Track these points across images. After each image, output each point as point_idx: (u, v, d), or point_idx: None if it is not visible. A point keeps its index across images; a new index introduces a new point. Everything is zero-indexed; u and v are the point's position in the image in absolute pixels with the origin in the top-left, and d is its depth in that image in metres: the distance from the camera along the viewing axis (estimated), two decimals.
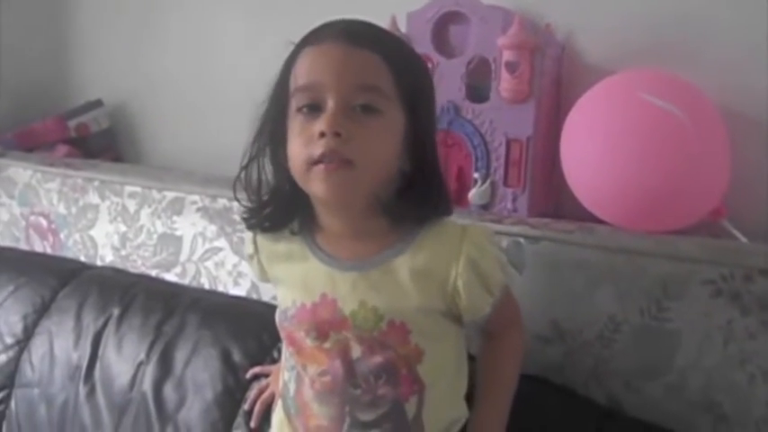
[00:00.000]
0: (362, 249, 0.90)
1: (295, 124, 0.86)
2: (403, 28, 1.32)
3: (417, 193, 0.88)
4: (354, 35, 0.85)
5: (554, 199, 1.31)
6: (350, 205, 0.89)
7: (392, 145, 0.86)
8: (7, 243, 1.72)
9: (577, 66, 1.32)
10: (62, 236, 1.64)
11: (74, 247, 1.62)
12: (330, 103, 0.83)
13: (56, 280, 1.47)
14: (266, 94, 0.91)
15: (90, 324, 1.36)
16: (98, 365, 1.31)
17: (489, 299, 0.91)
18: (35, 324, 1.42)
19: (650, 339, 1.02)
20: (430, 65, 1.30)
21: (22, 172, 1.71)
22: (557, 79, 1.30)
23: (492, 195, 1.27)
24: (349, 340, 0.89)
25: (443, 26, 1.31)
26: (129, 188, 1.54)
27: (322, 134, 0.82)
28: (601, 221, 1.20)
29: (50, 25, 2.05)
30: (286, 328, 0.94)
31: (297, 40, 0.90)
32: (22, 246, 1.70)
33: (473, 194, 1.27)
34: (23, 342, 1.41)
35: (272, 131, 0.90)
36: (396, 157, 0.87)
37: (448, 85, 1.28)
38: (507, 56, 1.22)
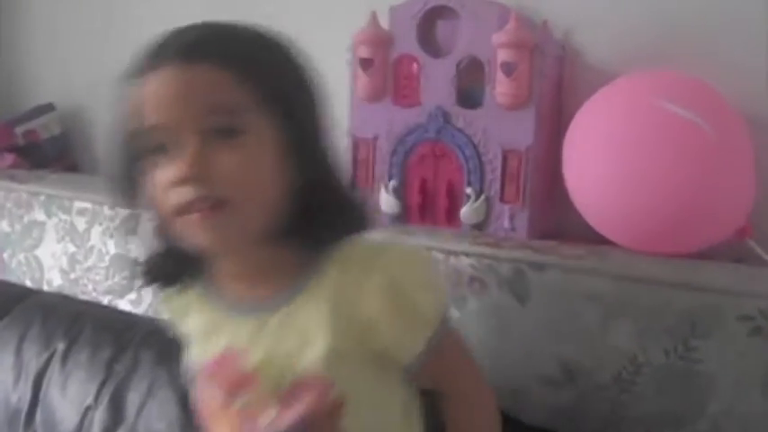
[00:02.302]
0: (263, 289, 0.79)
1: (150, 171, 0.74)
2: (385, 24, 1.17)
3: (316, 212, 0.76)
4: (189, 50, 0.73)
5: (556, 217, 1.17)
6: (239, 248, 0.77)
7: (268, 164, 0.74)
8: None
9: (579, 67, 1.19)
10: (5, 256, 1.47)
11: (18, 269, 1.46)
12: (183, 140, 0.71)
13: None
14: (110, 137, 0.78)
15: (32, 360, 1.20)
16: (39, 409, 1.16)
17: (421, 333, 0.78)
18: None
19: (676, 382, 0.88)
20: (415, 65, 1.16)
21: None
22: (557, 82, 1.16)
23: (487, 213, 1.12)
24: (259, 400, 0.77)
25: (430, 22, 1.16)
26: (78, 204, 1.38)
27: (183, 180, 0.71)
28: (609, 243, 1.06)
29: None
30: (195, 391, 0.86)
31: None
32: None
33: (465, 212, 1.13)
34: None
35: (128, 182, 0.78)
36: (279, 176, 0.74)
37: (435, 88, 1.14)
38: (503, 56, 1.08)
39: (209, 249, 0.76)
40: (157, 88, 0.72)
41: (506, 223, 1.11)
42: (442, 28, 1.17)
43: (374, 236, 0.81)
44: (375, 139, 1.18)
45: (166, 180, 0.72)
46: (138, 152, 0.75)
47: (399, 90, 1.17)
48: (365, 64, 1.17)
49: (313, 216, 0.75)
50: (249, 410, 0.77)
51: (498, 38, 1.08)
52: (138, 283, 0.84)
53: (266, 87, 0.74)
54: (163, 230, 0.79)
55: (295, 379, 0.76)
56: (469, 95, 1.14)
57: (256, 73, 0.74)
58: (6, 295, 1.35)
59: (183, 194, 0.71)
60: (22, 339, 1.23)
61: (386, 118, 1.17)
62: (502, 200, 1.11)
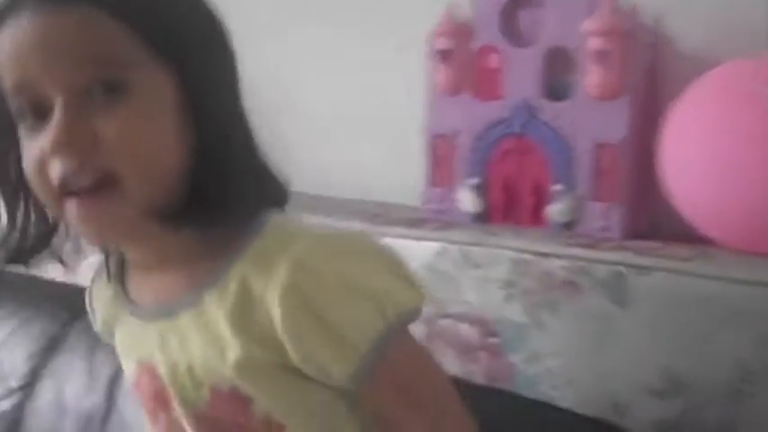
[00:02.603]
0: (170, 285, 0.66)
1: (22, 139, 0.62)
2: (464, 15, 1.11)
3: (218, 184, 0.61)
4: None
5: (650, 215, 1.10)
6: (131, 236, 0.64)
7: (161, 127, 0.60)
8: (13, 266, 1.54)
9: (672, 54, 1.11)
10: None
11: (89, 272, 1.43)
12: (55, 101, 0.58)
13: (67, 312, 1.29)
14: None
15: (104, 365, 1.18)
16: (114, 415, 1.12)
17: (346, 358, 0.60)
18: (43, 365, 1.24)
19: None
20: (497, 57, 1.10)
21: None
22: (650, 70, 1.08)
23: (577, 212, 1.06)
24: (180, 421, 0.67)
25: (513, 11, 1.10)
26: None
27: (52, 152, 0.58)
28: (710, 242, 0.99)
29: None
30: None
31: None
32: (32, 269, 1.52)
33: (553, 211, 1.06)
34: (29, 386, 1.23)
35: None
36: (174, 142, 0.61)
37: (519, 80, 1.08)
38: (595, 44, 1.01)
39: (96, 242, 0.66)
40: (14, 39, 0.59)
41: (599, 222, 1.05)
42: (525, 17, 1.10)
43: (298, 217, 0.68)
44: (455, 134, 1.13)
45: (38, 153, 0.60)
46: (8, 120, 0.62)
47: (480, 83, 1.12)
48: (444, 56, 1.11)
49: (216, 189, 0.61)
50: None
51: (589, 25, 1.01)
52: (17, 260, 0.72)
53: (158, 27, 0.61)
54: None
55: (207, 395, 0.64)
56: (555, 87, 1.07)
57: (140, 12, 0.60)
58: (78, 299, 1.32)
59: (55, 170, 0.59)
60: (95, 343, 1.20)
61: (466, 112, 1.12)
62: (593, 197, 1.05)
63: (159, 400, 0.68)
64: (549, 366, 0.95)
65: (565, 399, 0.93)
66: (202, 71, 0.63)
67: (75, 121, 0.58)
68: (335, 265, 0.61)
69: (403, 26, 1.24)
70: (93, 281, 0.81)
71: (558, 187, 1.06)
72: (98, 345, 1.20)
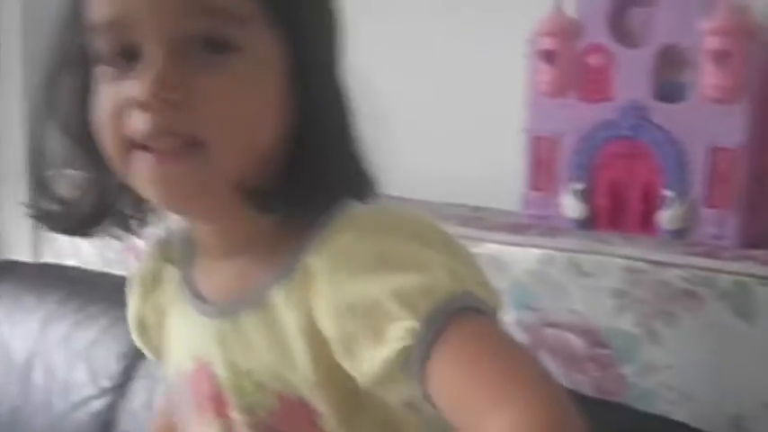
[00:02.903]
0: (234, 278, 0.60)
1: (101, 83, 0.55)
2: (571, 13, 1.08)
3: (313, 165, 0.56)
4: None
5: (766, 221, 1.05)
6: (203, 211, 0.59)
7: (265, 96, 0.55)
8: (101, 266, 1.54)
9: None
10: None
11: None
12: (151, 47, 0.52)
13: None
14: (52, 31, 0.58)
15: None
16: None
17: (387, 349, 0.50)
18: (135, 366, 1.23)
19: None
20: (605, 57, 1.06)
21: None
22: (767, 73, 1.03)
23: (690, 219, 1.01)
24: (236, 428, 0.60)
25: (622, 9, 1.06)
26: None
27: (142, 104, 0.52)
28: None
29: None
30: (174, 414, 0.69)
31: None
32: (117, 270, 1.52)
33: (665, 217, 1.02)
34: (121, 387, 1.23)
35: (62, 92, 0.58)
36: (275, 113, 0.55)
37: (629, 81, 1.03)
38: (713, 43, 0.96)
39: (161, 207, 0.58)
40: None
41: (714, 230, 1.00)
42: (635, 15, 1.06)
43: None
44: (558, 137, 1.09)
45: (119, 100, 0.53)
46: (83, 58, 0.56)
47: (587, 84, 1.08)
48: (548, 56, 1.08)
49: (309, 172, 0.56)
50: None
51: (707, 24, 0.96)
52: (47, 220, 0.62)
53: None
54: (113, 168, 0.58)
55: (272, 403, 0.57)
56: (665, 88, 1.03)
57: None
58: None
59: (140, 120, 0.52)
60: None
61: (571, 114, 1.08)
62: (708, 204, 1.00)
63: (216, 403, 0.61)
64: (664, 379, 0.91)
65: (681, 413, 0.89)
66: (314, 41, 0.57)
67: (172, 75, 0.52)
68: (378, 247, 0.53)
69: (502, 22, 1.21)
70: (143, 262, 0.72)
71: (669, 193, 1.02)
72: None
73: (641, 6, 1.05)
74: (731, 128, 0.97)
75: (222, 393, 0.60)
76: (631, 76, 1.03)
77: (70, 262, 1.59)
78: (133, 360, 1.23)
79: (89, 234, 0.62)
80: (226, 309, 0.60)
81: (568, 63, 1.07)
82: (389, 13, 1.36)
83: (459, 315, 0.49)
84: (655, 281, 0.92)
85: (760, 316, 0.85)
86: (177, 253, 0.67)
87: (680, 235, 1.02)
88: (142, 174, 0.54)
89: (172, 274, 0.67)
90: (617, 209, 1.06)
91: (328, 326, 0.53)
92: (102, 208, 0.61)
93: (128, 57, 0.54)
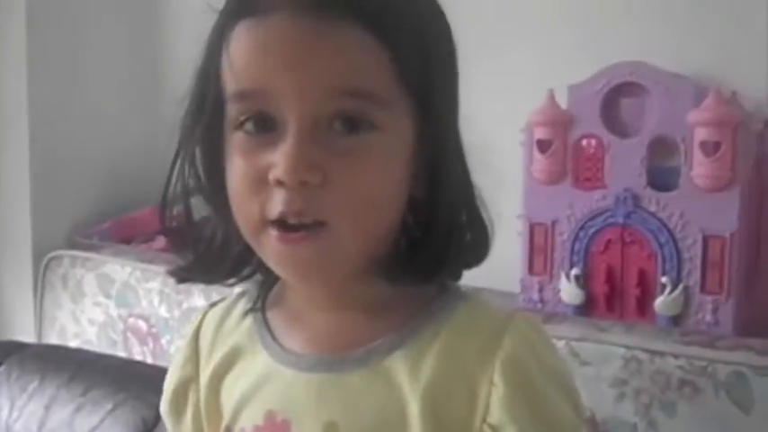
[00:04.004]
0: (339, 334, 0.58)
1: (235, 148, 0.55)
2: (563, 104, 1.11)
3: (437, 237, 0.56)
4: None
5: (761, 308, 1.06)
6: (326, 283, 0.58)
7: (397, 174, 0.55)
8: (104, 347, 1.55)
9: None
10: (163, 341, 1.46)
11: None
12: (289, 123, 0.52)
13: (158, 397, 1.28)
14: (188, 88, 0.59)
15: None
16: None
17: None
18: None
19: None
20: (598, 146, 1.08)
21: (119, 269, 1.55)
22: (758, 161, 1.06)
23: (685, 305, 1.03)
24: None
25: (614, 100, 1.09)
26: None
27: (279, 182, 0.52)
28: None
29: (149, 106, 1.93)
30: None
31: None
32: (120, 351, 1.53)
33: (661, 304, 1.03)
34: None
35: (196, 153, 0.59)
36: (402, 190, 0.56)
37: (623, 170, 1.06)
38: (703, 134, 0.99)
39: (294, 281, 0.58)
40: (263, 42, 0.52)
41: (708, 316, 1.01)
42: (626, 106, 1.09)
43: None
44: (553, 223, 1.11)
45: (255, 173, 0.53)
46: (220, 121, 0.56)
47: (580, 172, 1.10)
48: (543, 146, 1.11)
49: (434, 245, 0.56)
50: None
51: (696, 115, 0.99)
52: (181, 275, 0.64)
53: (417, 66, 0.53)
54: (227, 230, 0.59)
55: None
56: (659, 177, 1.06)
57: (409, 41, 0.53)
58: None
59: (276, 201, 0.53)
60: None
61: (566, 202, 1.10)
62: (703, 290, 1.02)
63: None
64: None
65: None
66: (444, 118, 0.57)
67: (311, 156, 0.51)
68: (551, 359, 0.57)
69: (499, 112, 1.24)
70: (204, 315, 0.70)
71: (664, 279, 1.03)
72: None
73: (632, 97, 1.08)
74: (723, 216, 1.00)
75: None
76: (624, 165, 1.06)
77: (73, 342, 1.60)
78: None
79: (221, 283, 0.64)
80: (325, 362, 0.57)
81: (562, 152, 1.10)
82: None
83: None
84: (653, 370, 0.92)
85: (758, 407, 0.86)
86: (255, 304, 0.64)
87: (676, 321, 1.03)
88: (270, 250, 0.55)
89: (238, 329, 0.64)
90: (614, 295, 1.08)
91: (501, 414, 0.53)
92: (233, 263, 0.61)
93: (266, 127, 0.53)
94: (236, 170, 0.55)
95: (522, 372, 0.54)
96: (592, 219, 1.08)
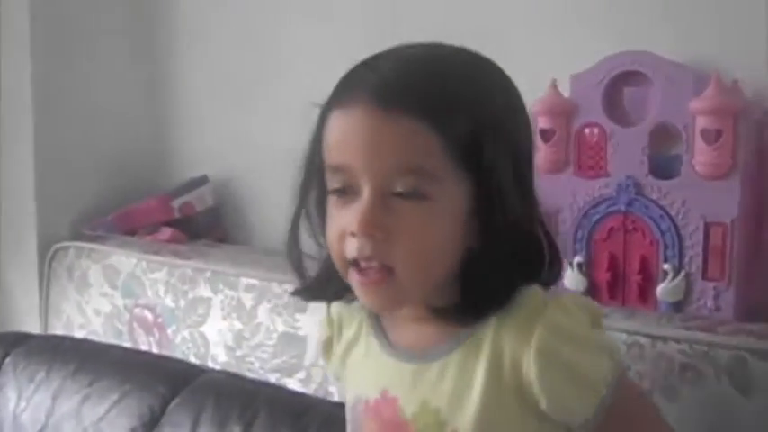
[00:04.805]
0: (427, 336, 0.74)
1: (330, 206, 0.72)
2: (566, 92, 1.12)
3: (491, 279, 0.70)
4: (388, 93, 0.67)
5: (761, 294, 1.07)
6: (398, 311, 0.75)
7: (448, 235, 0.69)
8: (109, 337, 1.57)
9: None
10: (170, 331, 1.48)
11: (182, 345, 1.45)
12: (364, 191, 0.68)
13: (166, 387, 1.30)
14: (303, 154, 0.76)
15: None
16: None
17: (589, 398, 0.69)
18: None
19: None
20: (601, 134, 1.09)
21: (125, 260, 1.56)
22: (759, 149, 1.07)
23: (687, 291, 1.04)
24: None
25: (616, 89, 1.10)
26: (245, 280, 1.37)
27: (353, 234, 0.69)
28: None
29: (151, 98, 1.94)
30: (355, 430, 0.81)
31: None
32: (126, 341, 1.54)
33: (663, 290, 1.05)
34: None
35: (308, 205, 0.76)
36: (456, 244, 0.70)
37: (625, 158, 1.07)
38: (704, 123, 1.00)
39: (369, 308, 0.76)
40: (347, 129, 0.69)
41: (710, 302, 1.03)
42: (628, 94, 1.10)
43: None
44: (557, 212, 1.12)
45: (341, 226, 0.70)
46: (322, 185, 0.73)
47: (583, 161, 1.11)
48: (546, 135, 1.12)
49: (485, 289, 0.70)
50: None
51: (698, 104, 1.00)
52: (300, 295, 0.82)
53: (463, 148, 0.67)
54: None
55: None
56: (660, 165, 1.07)
57: (456, 129, 0.67)
58: (176, 373, 1.34)
59: (349, 248, 0.69)
60: (196, 422, 1.20)
61: (568, 190, 1.11)
62: (704, 277, 1.03)
63: (396, 429, 0.74)
64: None
65: None
66: (496, 187, 0.68)
67: (377, 215, 0.67)
68: (576, 327, 0.70)
69: None
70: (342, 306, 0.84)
71: (666, 266, 1.04)
72: (200, 423, 1.21)
73: (635, 86, 1.09)
74: (724, 203, 1.01)
75: (405, 423, 0.73)
76: (626, 154, 1.07)
77: (79, 333, 1.61)
78: None
79: (328, 301, 0.83)
80: (417, 355, 0.74)
81: (565, 141, 1.11)
82: None
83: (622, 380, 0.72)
84: (655, 355, 0.94)
85: (757, 391, 0.87)
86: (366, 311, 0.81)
87: (677, 307, 1.04)
88: (354, 285, 0.72)
89: (355, 321, 0.82)
90: (616, 282, 1.09)
91: (535, 377, 0.68)
92: (335, 287, 0.77)
93: (350, 192, 0.69)
94: (331, 223, 0.72)
95: (550, 354, 0.68)
96: (594, 207, 1.09)
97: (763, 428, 0.86)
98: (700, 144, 1.01)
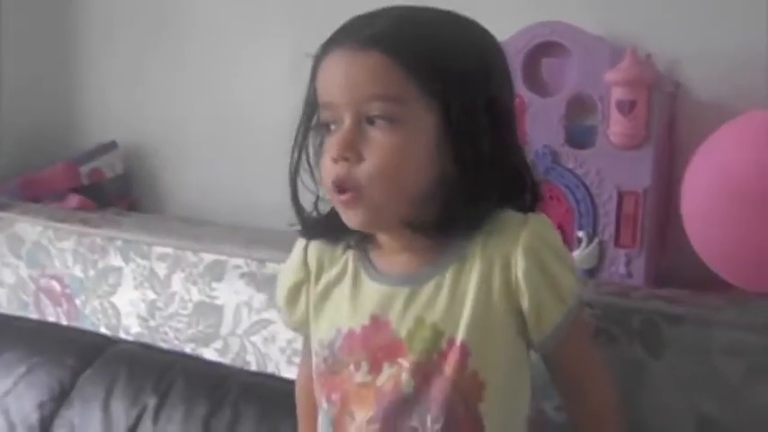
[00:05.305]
0: (416, 262, 0.80)
1: (327, 139, 0.80)
2: None
3: (466, 202, 0.76)
4: (360, 34, 0.76)
5: (670, 261, 1.11)
6: (383, 230, 0.81)
7: (415, 156, 0.75)
8: (14, 309, 1.50)
9: (690, 103, 1.13)
10: (78, 302, 1.43)
11: (92, 316, 1.41)
12: (345, 121, 0.76)
13: (75, 359, 1.27)
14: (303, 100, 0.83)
15: (121, 417, 1.15)
16: None
17: (559, 306, 0.77)
18: (54, 415, 1.21)
19: None
20: (519, 104, 1.11)
21: (30, 228, 1.50)
22: (670, 121, 1.10)
23: (600, 258, 1.07)
24: (401, 372, 0.77)
25: (535, 59, 1.12)
26: (158, 249, 1.33)
27: (333, 159, 0.76)
28: (729, 285, 1.01)
29: (55, 61, 1.86)
30: (324, 373, 0.83)
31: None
32: (32, 313, 1.49)
33: (576, 257, 1.07)
34: None
35: (305, 145, 0.82)
36: (427, 166, 0.76)
37: (542, 127, 1.09)
38: (619, 94, 1.03)
39: (355, 229, 0.79)
40: (328, 70, 0.77)
41: (622, 269, 1.06)
42: (546, 65, 1.12)
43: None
44: None
45: (327, 155, 0.77)
46: (317, 122, 0.80)
47: None
48: None
49: (461, 209, 0.76)
50: (391, 385, 0.77)
51: (613, 75, 1.03)
52: (301, 233, 0.86)
53: (434, 79, 0.74)
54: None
55: (443, 345, 0.76)
56: (576, 134, 1.09)
57: (418, 59, 0.74)
58: (85, 345, 1.30)
59: (331, 172, 0.76)
60: (108, 394, 1.18)
61: None
62: (617, 244, 1.06)
63: (387, 351, 0.78)
64: None
65: None
66: (463, 111, 0.74)
67: (350, 139, 0.74)
68: (553, 239, 0.78)
69: None
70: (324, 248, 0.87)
71: (581, 234, 1.07)
72: (113, 395, 1.18)
73: (553, 57, 1.10)
74: (637, 173, 1.04)
75: (398, 343, 0.78)
76: (544, 123, 1.09)
77: None
78: (53, 409, 1.21)
79: (322, 238, 0.86)
80: (410, 279, 0.79)
81: None
82: None
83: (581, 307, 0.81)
84: None
85: (668, 353, 0.90)
86: (353, 242, 0.85)
87: (591, 274, 1.07)
88: (339, 208, 0.78)
89: (340, 261, 0.85)
90: None
91: (522, 273, 0.75)
92: (331, 223, 0.82)
93: (337, 126, 0.76)
94: (324, 156, 0.79)
95: (535, 253, 0.75)
96: None
97: (673, 389, 0.89)
98: (615, 115, 1.03)
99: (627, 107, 1.02)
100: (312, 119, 0.81)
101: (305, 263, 0.87)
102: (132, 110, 1.81)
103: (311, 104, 0.81)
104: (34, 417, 1.22)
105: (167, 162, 1.78)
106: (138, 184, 1.81)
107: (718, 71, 1.12)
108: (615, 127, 1.03)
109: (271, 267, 1.21)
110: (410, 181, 0.75)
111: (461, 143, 0.75)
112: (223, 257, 1.26)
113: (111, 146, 1.77)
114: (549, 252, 0.76)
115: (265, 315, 1.21)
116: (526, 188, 0.80)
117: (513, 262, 0.75)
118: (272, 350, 1.20)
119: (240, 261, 1.24)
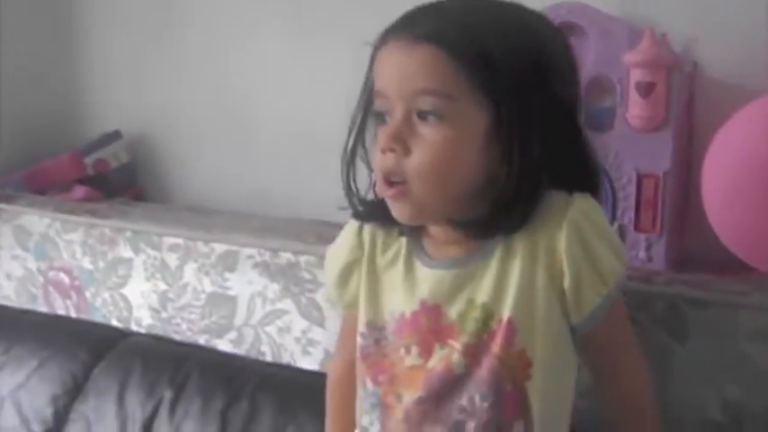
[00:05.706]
0: (465, 248, 0.80)
1: (380, 128, 0.80)
2: None
3: (511, 204, 0.75)
4: (416, 27, 0.76)
5: (690, 244, 1.10)
6: (429, 224, 0.82)
7: (462, 155, 0.75)
8: (23, 302, 1.49)
9: (709, 84, 1.12)
10: (88, 294, 1.41)
11: (103, 308, 1.39)
12: (395, 114, 0.76)
13: (88, 352, 1.25)
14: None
15: (136, 410, 1.14)
16: None
17: (600, 287, 0.76)
18: (68, 409, 1.20)
19: None
20: None
21: (37, 220, 1.48)
22: (689, 102, 1.09)
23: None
24: (453, 353, 0.78)
25: None
26: (168, 240, 1.32)
27: (383, 150, 0.76)
28: (750, 268, 1.00)
29: (57, 51, 1.83)
30: (372, 355, 0.83)
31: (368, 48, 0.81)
32: (41, 305, 1.47)
33: None
34: (55, 431, 1.19)
35: (362, 130, 0.82)
36: (474, 166, 0.75)
37: None
38: (638, 75, 1.01)
39: (398, 219, 0.80)
40: (384, 60, 0.77)
41: (642, 253, 1.05)
42: None
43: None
44: None
45: (379, 143, 0.77)
46: (374, 114, 0.80)
47: None
48: None
49: (507, 209, 0.75)
50: (443, 366, 0.78)
51: (632, 57, 1.01)
52: (355, 215, 0.86)
53: (480, 72, 0.73)
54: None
55: (493, 325, 0.76)
56: (594, 117, 1.07)
57: (479, 62, 0.73)
58: (98, 338, 1.29)
59: (380, 163, 0.76)
60: (123, 387, 1.17)
61: None
62: (637, 228, 1.05)
63: (437, 334, 0.79)
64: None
65: None
66: (515, 111, 0.73)
67: (400, 132, 0.75)
68: (599, 219, 0.77)
69: None
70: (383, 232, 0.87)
71: None
72: (128, 388, 1.17)
73: (570, 37, 1.08)
74: (656, 155, 1.02)
75: (450, 325, 0.78)
76: None
77: None
78: (67, 402, 1.20)
79: (377, 222, 0.85)
80: (458, 263, 0.79)
81: None
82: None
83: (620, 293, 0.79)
84: None
85: (692, 338, 0.89)
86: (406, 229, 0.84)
87: None
88: (387, 200, 0.78)
89: (394, 246, 0.85)
90: None
91: (564, 250, 0.75)
92: (387, 209, 0.81)
93: (390, 117, 0.76)
94: (376, 145, 0.78)
95: (578, 229, 0.75)
96: None
97: (698, 374, 0.89)
98: (634, 97, 1.02)
99: (646, 89, 1.01)
100: (369, 107, 0.81)
101: (360, 244, 0.87)
102: (135, 98, 1.80)
103: (368, 92, 0.81)
104: (48, 411, 1.21)
105: (172, 151, 1.77)
106: (143, 174, 1.80)
107: (735, 49, 1.11)
108: (634, 109, 1.02)
109: (284, 257, 1.20)
110: (456, 179, 0.75)
111: (511, 145, 0.74)
112: (235, 247, 1.24)
113: (116, 135, 1.75)
114: (592, 229, 0.75)
115: (279, 305, 1.19)
116: (585, 179, 0.80)
117: (557, 238, 0.75)
118: (288, 340, 1.19)
119: (253, 251, 1.23)
